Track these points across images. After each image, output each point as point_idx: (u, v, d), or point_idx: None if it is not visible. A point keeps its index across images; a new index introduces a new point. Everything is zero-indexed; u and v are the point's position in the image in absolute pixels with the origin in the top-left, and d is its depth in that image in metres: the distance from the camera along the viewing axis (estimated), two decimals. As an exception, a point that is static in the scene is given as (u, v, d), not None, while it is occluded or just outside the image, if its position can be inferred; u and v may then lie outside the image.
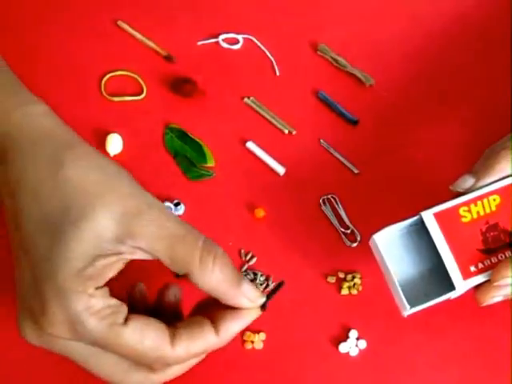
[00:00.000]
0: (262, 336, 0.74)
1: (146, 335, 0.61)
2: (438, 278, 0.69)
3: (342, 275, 0.76)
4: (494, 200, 0.69)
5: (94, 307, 0.60)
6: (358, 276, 0.76)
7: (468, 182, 0.69)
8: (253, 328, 0.74)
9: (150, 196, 0.63)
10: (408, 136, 0.82)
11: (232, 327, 0.63)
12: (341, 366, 0.73)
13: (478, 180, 0.69)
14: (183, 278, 0.63)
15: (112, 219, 0.60)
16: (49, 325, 0.60)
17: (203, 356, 0.65)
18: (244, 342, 0.74)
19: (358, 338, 0.74)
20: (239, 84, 0.84)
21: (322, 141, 0.82)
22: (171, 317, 0.66)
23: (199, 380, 0.72)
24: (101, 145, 0.80)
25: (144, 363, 0.63)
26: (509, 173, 0.69)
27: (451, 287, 0.67)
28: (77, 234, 0.59)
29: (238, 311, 0.64)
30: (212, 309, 0.64)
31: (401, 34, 0.86)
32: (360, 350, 0.74)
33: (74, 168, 0.61)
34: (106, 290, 0.62)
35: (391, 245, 0.70)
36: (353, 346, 0.74)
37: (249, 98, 0.83)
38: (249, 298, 0.63)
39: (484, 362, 0.73)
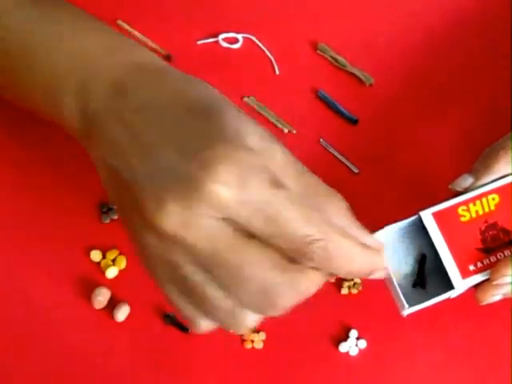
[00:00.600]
0: (262, 335, 0.74)
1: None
2: (437, 278, 0.69)
3: (341, 275, 0.76)
4: (493, 199, 0.69)
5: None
6: (358, 275, 0.76)
7: (467, 181, 0.69)
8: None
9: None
10: (408, 135, 0.82)
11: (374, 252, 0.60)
12: (341, 366, 0.73)
13: (477, 179, 0.69)
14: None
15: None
16: (215, 187, 0.54)
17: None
18: (244, 341, 0.74)
19: (358, 338, 0.74)
20: (239, 83, 0.84)
21: (321, 140, 0.82)
22: None
23: (199, 380, 0.72)
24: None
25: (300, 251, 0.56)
26: (508, 172, 0.69)
27: (450, 286, 0.67)
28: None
29: None
30: None
31: (401, 34, 0.86)
32: (360, 350, 0.74)
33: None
34: None
35: (390, 244, 0.70)
36: (353, 345, 0.74)
37: (248, 97, 0.83)
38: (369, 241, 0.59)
39: (484, 361, 0.73)
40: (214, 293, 0.57)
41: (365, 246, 0.58)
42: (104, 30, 0.70)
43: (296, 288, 0.57)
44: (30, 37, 0.68)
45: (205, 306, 0.58)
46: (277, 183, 0.56)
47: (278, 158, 0.58)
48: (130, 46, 0.67)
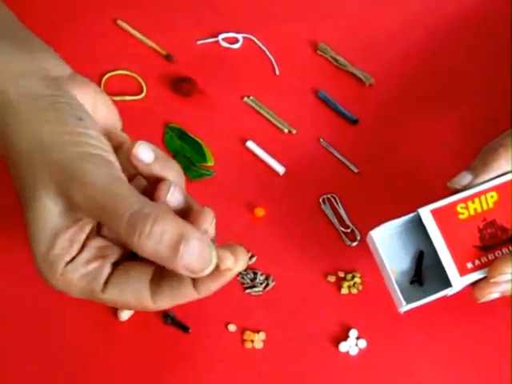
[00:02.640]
0: (262, 335, 0.74)
1: (127, 295, 0.63)
2: (435, 275, 0.69)
3: (341, 274, 0.76)
4: (492, 197, 0.69)
5: (71, 282, 0.63)
6: (358, 275, 0.76)
7: (466, 178, 0.70)
8: (253, 327, 0.74)
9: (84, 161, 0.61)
10: (407, 135, 0.82)
11: (211, 286, 0.62)
12: (341, 366, 0.73)
13: (475, 177, 0.69)
14: None
15: (54, 195, 0.61)
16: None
17: None
18: (244, 341, 0.74)
19: (357, 338, 0.74)
20: (239, 83, 0.84)
21: (321, 140, 0.82)
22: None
23: (198, 380, 0.72)
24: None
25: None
26: (507, 169, 0.69)
27: (448, 284, 0.68)
28: (30, 223, 0.62)
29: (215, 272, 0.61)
30: None
31: (400, 34, 0.86)
32: (360, 350, 0.74)
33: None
34: (83, 257, 0.62)
35: (388, 241, 0.70)
36: (353, 345, 0.74)
37: (248, 97, 0.83)
38: (196, 260, 0.60)
39: (484, 361, 0.73)
40: None
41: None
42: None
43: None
44: None
45: None
46: None
47: None
48: None
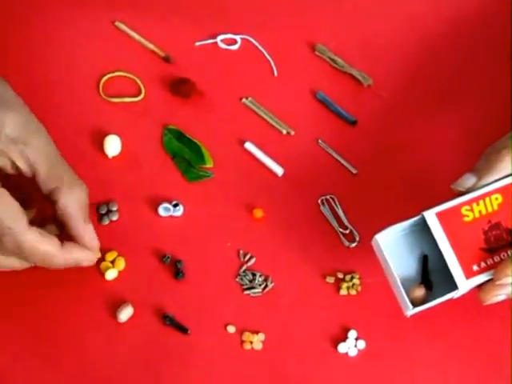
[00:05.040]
0: (261, 337, 0.74)
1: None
2: (441, 278, 0.69)
3: (340, 275, 0.76)
4: (496, 199, 0.69)
5: None
6: (357, 276, 0.76)
7: (470, 180, 0.69)
8: (252, 328, 0.74)
9: (43, 128, 0.72)
10: (406, 136, 0.82)
11: (74, 250, 0.72)
12: (340, 367, 0.73)
13: (479, 179, 0.69)
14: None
15: (16, 124, 0.69)
16: None
17: (40, 262, 0.71)
18: (243, 342, 0.74)
19: (356, 339, 0.74)
20: (237, 84, 0.84)
21: (320, 141, 0.82)
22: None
23: (197, 381, 0.72)
24: (99, 146, 0.80)
25: None
26: (510, 171, 0.69)
27: (454, 287, 0.67)
28: None
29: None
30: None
31: (399, 34, 0.86)
32: (359, 351, 0.74)
33: None
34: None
35: (393, 245, 0.70)
36: (352, 346, 0.74)
37: (247, 98, 0.83)
38: (90, 235, 0.73)
39: (484, 362, 0.73)
40: None
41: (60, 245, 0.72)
42: None
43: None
44: None
45: None
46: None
47: (33, 143, 0.70)
48: None
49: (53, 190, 0.71)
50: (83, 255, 0.73)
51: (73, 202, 0.72)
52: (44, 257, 0.71)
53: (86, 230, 0.73)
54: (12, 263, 0.72)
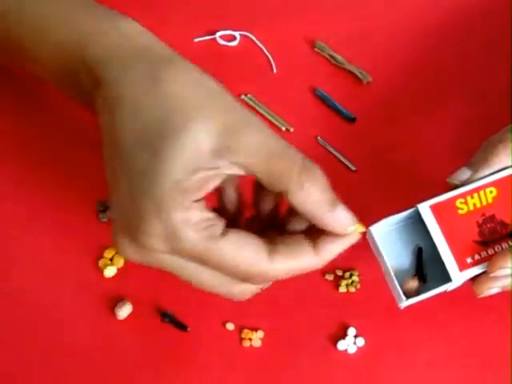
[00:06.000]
0: (260, 334, 0.74)
1: (244, 248, 0.61)
2: (435, 270, 0.69)
3: (339, 273, 0.76)
4: (491, 192, 0.69)
5: (191, 219, 0.59)
6: (356, 273, 0.76)
7: (465, 174, 0.69)
8: (251, 326, 0.74)
9: (250, 113, 0.62)
10: (406, 133, 0.82)
11: (332, 248, 0.63)
12: (339, 364, 0.73)
13: (475, 172, 0.69)
14: None
15: (211, 133, 0.60)
16: (146, 238, 0.60)
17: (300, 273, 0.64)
18: (242, 339, 0.74)
19: (356, 336, 0.74)
20: (236, 81, 0.84)
21: (319, 138, 0.82)
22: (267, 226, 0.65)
23: (196, 378, 0.72)
24: (98, 146, 0.80)
25: (242, 278, 0.62)
26: (506, 165, 0.69)
27: (448, 279, 0.68)
28: (176, 147, 0.59)
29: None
30: (311, 229, 0.64)
31: (398, 31, 0.86)
32: (358, 348, 0.74)
33: (174, 82, 0.62)
34: (204, 203, 0.61)
35: (388, 237, 0.70)
36: (351, 343, 0.74)
37: (246, 95, 0.83)
38: (342, 224, 0.62)
39: (483, 359, 0.73)
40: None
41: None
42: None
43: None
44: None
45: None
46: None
47: (241, 147, 0.61)
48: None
49: (281, 191, 0.61)
50: (342, 246, 0.63)
51: (308, 201, 0.61)
52: (301, 272, 0.63)
53: (336, 220, 0.62)
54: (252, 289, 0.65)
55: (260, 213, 0.66)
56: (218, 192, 0.64)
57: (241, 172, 0.61)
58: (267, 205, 0.65)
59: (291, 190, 0.61)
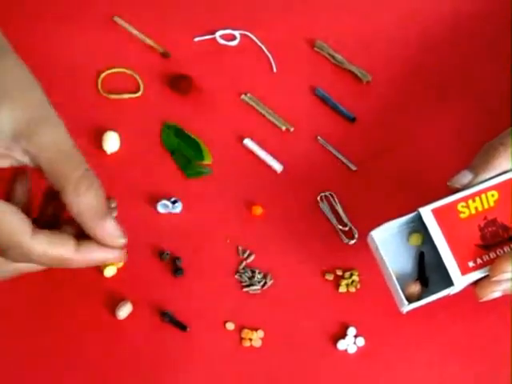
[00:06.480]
0: (260, 334, 0.74)
1: (9, 216, 0.65)
2: (437, 274, 0.69)
3: (339, 272, 0.76)
4: (493, 195, 0.69)
5: None
6: (356, 273, 0.76)
7: (466, 177, 0.69)
8: (251, 325, 0.74)
9: (55, 113, 0.67)
10: (405, 132, 0.82)
11: (93, 250, 0.67)
12: (339, 364, 0.73)
13: (476, 175, 0.69)
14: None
15: (16, 120, 0.65)
16: None
17: (57, 266, 0.68)
18: (242, 339, 0.74)
19: (356, 336, 0.74)
20: (236, 81, 0.84)
21: (319, 138, 0.82)
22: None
23: (196, 378, 0.73)
24: (98, 143, 0.80)
25: (1, 248, 0.66)
26: (507, 168, 0.69)
27: (450, 283, 0.67)
28: None
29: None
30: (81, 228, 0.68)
31: (398, 31, 0.86)
32: (358, 348, 0.74)
33: None
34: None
35: (389, 241, 0.70)
36: (351, 343, 0.74)
37: (246, 94, 0.83)
38: (109, 234, 0.67)
39: (484, 359, 0.73)
40: None
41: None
42: None
43: None
44: None
45: None
46: None
47: (36, 139, 0.66)
48: None
49: (59, 190, 0.66)
50: (105, 255, 0.68)
51: (81, 203, 0.66)
52: (58, 262, 0.66)
53: (103, 229, 0.66)
54: (29, 267, 0.69)
55: (44, 213, 0.71)
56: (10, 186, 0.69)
57: (30, 163, 0.66)
58: (52, 208, 0.71)
59: (67, 190, 0.65)
